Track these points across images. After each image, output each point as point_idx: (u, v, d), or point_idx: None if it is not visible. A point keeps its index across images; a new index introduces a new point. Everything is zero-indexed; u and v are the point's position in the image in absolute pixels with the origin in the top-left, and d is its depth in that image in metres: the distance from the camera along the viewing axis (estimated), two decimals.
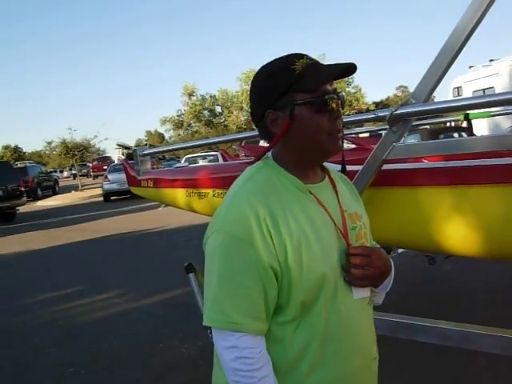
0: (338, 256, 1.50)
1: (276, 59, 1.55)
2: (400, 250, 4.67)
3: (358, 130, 6.35)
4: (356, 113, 36.50)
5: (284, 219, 1.42)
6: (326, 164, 1.66)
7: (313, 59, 1.51)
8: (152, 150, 5.44)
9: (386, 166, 3.15)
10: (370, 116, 3.16)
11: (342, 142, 1.55)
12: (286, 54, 1.55)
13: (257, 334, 1.41)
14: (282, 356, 1.45)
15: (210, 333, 4.81)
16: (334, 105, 1.48)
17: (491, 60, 16.28)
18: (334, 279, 1.47)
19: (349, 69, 1.53)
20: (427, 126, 12.88)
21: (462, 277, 6.05)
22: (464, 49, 2.77)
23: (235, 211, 1.45)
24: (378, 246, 1.80)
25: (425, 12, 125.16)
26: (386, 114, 2.94)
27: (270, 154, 1.60)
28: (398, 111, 2.88)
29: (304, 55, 1.51)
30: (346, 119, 3.60)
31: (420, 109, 2.87)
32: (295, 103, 1.48)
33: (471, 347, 2.83)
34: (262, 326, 1.43)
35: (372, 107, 54.00)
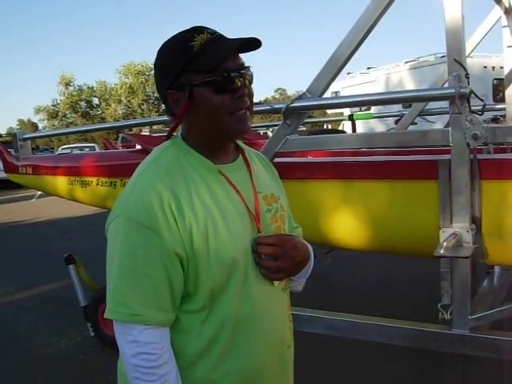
0: (251, 241, 1.43)
1: (176, 34, 1.44)
2: None
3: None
4: None
5: (190, 203, 1.34)
6: (240, 143, 1.60)
7: (215, 33, 1.41)
8: (33, 134, 5.21)
9: (276, 160, 3.19)
10: (265, 108, 3.19)
11: (249, 122, 1.45)
12: (188, 28, 1.43)
13: (161, 326, 1.34)
14: (190, 348, 1.39)
15: (91, 326, 4.64)
16: (237, 83, 1.39)
17: (369, 68, 17.10)
18: (245, 265, 1.40)
19: (251, 42, 1.42)
20: (304, 128, 13.28)
21: (341, 272, 6.30)
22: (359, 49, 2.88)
23: (138, 195, 1.35)
24: (300, 228, 1.75)
25: (307, 20, 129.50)
26: (281, 106, 2.99)
27: (179, 132, 1.51)
28: (294, 104, 2.93)
29: (205, 29, 1.41)
30: None
31: (315, 103, 2.95)
32: (193, 84, 1.39)
33: (358, 337, 2.94)
34: (167, 316, 1.35)
35: None
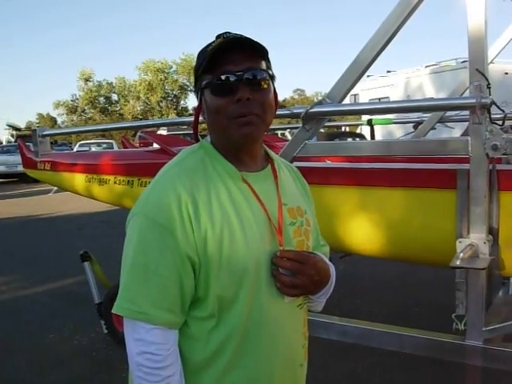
0: (268, 253, 1.39)
1: None
2: None
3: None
4: None
5: (208, 208, 1.33)
6: (271, 153, 1.56)
7: (227, 37, 1.37)
8: (53, 131, 5.23)
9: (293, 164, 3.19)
10: (285, 112, 3.18)
11: (255, 128, 1.37)
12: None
13: (169, 327, 1.32)
14: (197, 355, 1.38)
15: (104, 324, 4.65)
16: (234, 86, 1.34)
17: (388, 71, 17.03)
18: (257, 276, 1.37)
19: (241, 42, 1.36)
20: (322, 130, 13.25)
21: (356, 277, 6.27)
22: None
23: (157, 195, 1.35)
24: (327, 247, 1.72)
25: (325, 19, 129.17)
26: (300, 111, 2.98)
27: (209, 136, 1.50)
28: (314, 109, 2.93)
29: (225, 34, 1.39)
30: None
31: (335, 109, 2.94)
32: (201, 87, 1.41)
33: (370, 344, 2.93)
34: (175, 319, 1.34)
35: None
